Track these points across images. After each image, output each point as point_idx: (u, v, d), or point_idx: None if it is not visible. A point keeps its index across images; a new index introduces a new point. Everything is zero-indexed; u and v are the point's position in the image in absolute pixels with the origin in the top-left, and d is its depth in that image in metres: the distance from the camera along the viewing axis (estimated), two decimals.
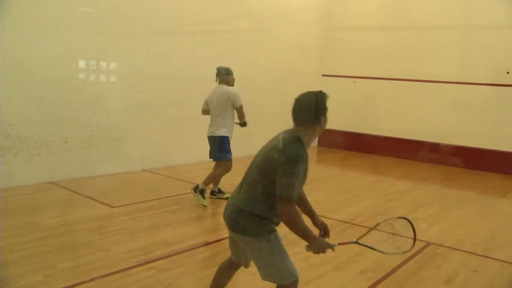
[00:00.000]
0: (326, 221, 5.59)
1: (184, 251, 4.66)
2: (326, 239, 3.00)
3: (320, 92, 2.89)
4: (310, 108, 2.80)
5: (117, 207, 6.02)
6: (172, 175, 7.93)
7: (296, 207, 2.86)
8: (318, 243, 2.85)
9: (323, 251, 2.86)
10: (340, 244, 2.96)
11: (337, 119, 11.85)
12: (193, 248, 4.74)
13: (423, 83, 10.44)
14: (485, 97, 9.80)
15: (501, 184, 8.75)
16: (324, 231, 3.19)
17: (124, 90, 7.83)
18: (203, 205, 6.20)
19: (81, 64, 7.34)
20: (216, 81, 6.53)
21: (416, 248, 5.01)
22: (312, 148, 11.97)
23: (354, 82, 11.60)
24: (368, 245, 3.09)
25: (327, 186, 7.88)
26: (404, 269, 4.50)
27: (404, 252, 3.29)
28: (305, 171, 2.79)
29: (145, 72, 8.05)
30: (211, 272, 4.20)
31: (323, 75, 12.10)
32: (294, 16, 11.04)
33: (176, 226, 5.43)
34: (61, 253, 4.46)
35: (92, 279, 3.93)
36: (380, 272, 4.36)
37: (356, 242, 3.07)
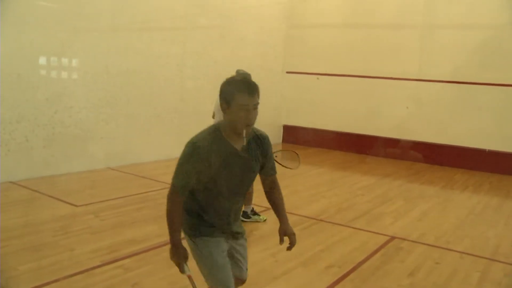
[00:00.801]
0: (292, 217, 5.62)
1: (150, 250, 4.62)
2: (189, 267, 2.69)
3: (233, 76, 2.68)
4: (220, 94, 2.56)
5: (81, 206, 5.91)
6: (137, 173, 7.84)
7: (186, 201, 2.65)
8: (173, 251, 2.69)
9: (174, 262, 2.71)
10: (189, 276, 2.66)
11: (301, 116, 12.05)
12: (159, 247, 4.69)
13: (385, 80, 10.62)
14: (444, 93, 10.06)
15: (461, 179, 8.98)
16: (289, 243, 2.82)
17: (87, 87, 7.68)
18: (264, 220, 5.75)
19: (42, 60, 7.16)
20: None
21: (380, 243, 5.13)
22: (276, 145, 12.03)
23: (317, 79, 11.70)
24: None
25: (292, 182, 7.92)
26: (369, 263, 4.58)
27: None
28: (220, 163, 2.55)
29: (108, 69, 7.92)
30: (177, 270, 4.17)
31: (287, 72, 12.17)
32: (257, 13, 11.05)
33: (142, 224, 5.37)
34: (23, 255, 4.35)
35: (56, 280, 3.86)
36: (346, 267, 4.43)
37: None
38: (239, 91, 2.47)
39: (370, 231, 5.56)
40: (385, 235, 5.43)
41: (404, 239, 5.31)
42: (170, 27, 8.94)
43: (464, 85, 9.83)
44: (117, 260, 4.31)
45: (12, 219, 5.32)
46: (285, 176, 8.19)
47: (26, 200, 6.11)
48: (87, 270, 4.07)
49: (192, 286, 2.64)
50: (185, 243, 2.71)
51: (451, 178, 9.03)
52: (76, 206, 5.93)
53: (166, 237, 4.95)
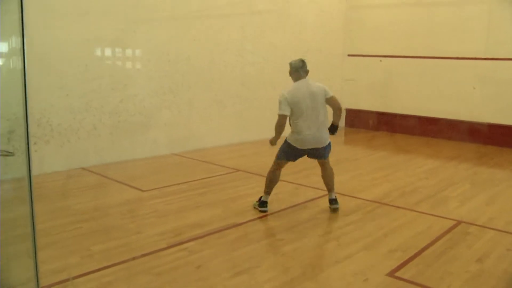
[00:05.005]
0: (355, 201, 5.63)
1: (214, 233, 4.72)
2: None
3: None
4: None
5: (147, 191, 6.11)
6: (200, 158, 7.99)
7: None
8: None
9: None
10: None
11: (364, 99, 11.83)
12: (222, 230, 4.79)
13: (451, 60, 10.21)
14: None
15: None
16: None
17: (149, 76, 7.89)
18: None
19: (107, 51, 7.41)
20: (291, 75, 5.33)
21: (446, 227, 4.99)
22: (339, 128, 11.86)
23: (380, 61, 11.42)
24: None
25: (355, 166, 7.83)
26: (434, 248, 4.47)
27: None
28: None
29: (169, 57, 8.09)
30: (240, 253, 4.26)
31: (349, 55, 11.96)
32: None
33: (205, 208, 5.49)
34: (94, 236, 4.57)
35: (125, 261, 4.02)
36: (410, 252, 4.34)
37: None
38: None
39: (435, 215, 5.41)
40: (451, 219, 5.27)
41: (472, 224, 5.13)
42: (228, 13, 8.99)
43: None
44: (182, 243, 4.44)
45: (83, 203, 5.59)
46: (347, 161, 8.16)
47: (96, 185, 6.39)
48: (153, 252, 4.22)
49: None
50: None
51: None
52: (142, 190, 6.13)
53: (228, 220, 5.07)
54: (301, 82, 5.20)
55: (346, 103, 12.13)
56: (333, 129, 5.45)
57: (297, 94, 5.10)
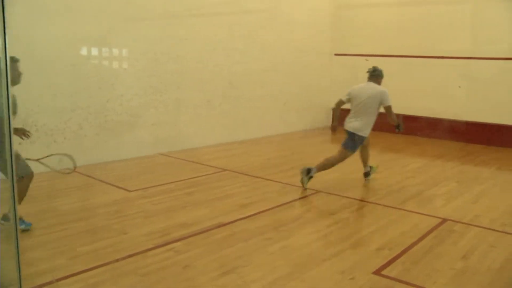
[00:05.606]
0: (342, 200, 5.64)
1: (201, 233, 4.71)
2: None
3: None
4: None
5: (134, 191, 6.09)
6: (187, 158, 7.98)
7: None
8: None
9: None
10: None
11: None
12: (209, 230, 4.78)
13: (437, 59, 10.29)
14: (499, 71, 9.64)
15: None
16: None
17: (137, 75, 7.86)
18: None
19: (94, 50, 7.36)
20: (369, 78, 6.69)
21: (432, 225, 5.03)
22: (326, 127, 11.90)
23: (366, 60, 11.45)
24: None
25: (342, 165, 7.83)
26: (420, 245, 4.50)
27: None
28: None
29: (157, 56, 8.06)
30: (227, 252, 4.26)
31: (336, 54, 12.00)
32: None
33: (193, 208, 5.48)
34: (80, 237, 4.54)
35: (111, 262, 4.00)
36: (396, 250, 4.37)
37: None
38: None
39: (421, 213, 5.45)
40: (437, 217, 5.31)
41: (457, 222, 5.18)
42: (217, 12, 8.98)
43: None
44: (169, 243, 4.43)
45: (70, 204, 5.55)
46: None
47: (82, 186, 6.35)
48: (140, 253, 4.20)
49: None
50: None
51: (507, 159, 8.71)
52: (129, 191, 6.11)
53: (216, 220, 5.06)
54: (366, 84, 6.58)
55: (333, 103, 12.16)
56: (395, 127, 6.58)
57: (356, 90, 6.52)
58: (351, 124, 6.38)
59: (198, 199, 5.85)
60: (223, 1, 9.10)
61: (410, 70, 10.75)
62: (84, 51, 7.22)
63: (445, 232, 4.89)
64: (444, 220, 5.20)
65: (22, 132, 4.68)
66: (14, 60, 4.76)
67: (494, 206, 5.82)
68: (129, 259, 4.07)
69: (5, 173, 4.54)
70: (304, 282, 3.73)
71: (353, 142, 6.35)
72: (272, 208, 5.52)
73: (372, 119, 6.40)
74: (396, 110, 6.56)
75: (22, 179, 4.61)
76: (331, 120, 12.03)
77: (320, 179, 6.54)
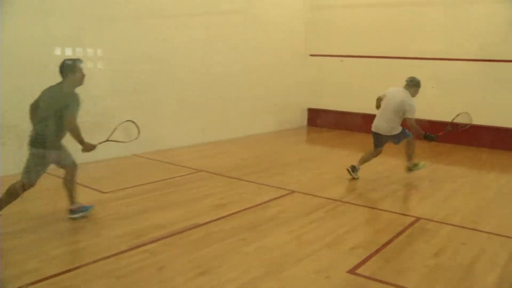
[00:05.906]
0: (316, 200, 5.67)
1: (176, 234, 4.69)
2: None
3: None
4: None
5: (108, 193, 6.03)
6: (162, 159, 7.93)
7: None
8: None
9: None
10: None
11: (325, 98, 11.96)
12: (184, 230, 4.77)
13: (410, 60, 10.45)
14: (470, 72, 9.84)
15: (489, 159, 8.84)
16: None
17: (112, 76, 7.78)
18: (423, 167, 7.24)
19: (68, 50, 7.25)
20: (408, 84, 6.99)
21: (405, 224, 5.11)
22: (301, 128, 12.01)
23: (341, 61, 11.59)
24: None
25: (317, 165, 7.91)
26: (394, 244, 4.57)
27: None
28: None
29: (132, 56, 7.99)
30: (203, 253, 4.25)
31: (310, 55, 12.08)
32: None
33: (168, 209, 5.45)
34: (53, 241, 4.47)
35: (85, 265, 3.96)
36: (370, 248, 4.42)
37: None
38: None
39: (395, 212, 5.53)
40: (410, 216, 5.39)
41: (430, 220, 5.27)
42: (193, 12, 8.95)
43: (491, 63, 9.61)
44: (144, 245, 4.40)
45: (42, 206, 5.47)
46: (309, 159, 8.23)
47: (55, 188, 6.23)
48: (114, 255, 4.16)
49: None
50: None
51: (478, 158, 8.90)
52: (103, 192, 6.04)
53: (191, 221, 5.04)
54: (396, 88, 6.99)
55: (309, 103, 12.27)
56: (425, 138, 6.93)
57: (387, 93, 6.96)
58: (379, 125, 6.95)
59: (173, 200, 5.82)
60: (199, 2, 9.08)
61: (384, 71, 10.87)
62: (57, 51, 7.11)
63: (418, 230, 4.98)
64: (418, 219, 5.29)
65: (90, 148, 5.33)
66: (79, 62, 5.06)
67: (465, 204, 5.94)
68: (103, 261, 4.03)
69: (60, 165, 5.32)
70: (279, 282, 3.75)
71: (397, 137, 6.97)
72: (248, 208, 5.52)
73: (395, 123, 6.86)
74: (370, 110, 6.68)
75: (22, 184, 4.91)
76: (306, 120, 12.23)
77: (295, 179, 6.56)
